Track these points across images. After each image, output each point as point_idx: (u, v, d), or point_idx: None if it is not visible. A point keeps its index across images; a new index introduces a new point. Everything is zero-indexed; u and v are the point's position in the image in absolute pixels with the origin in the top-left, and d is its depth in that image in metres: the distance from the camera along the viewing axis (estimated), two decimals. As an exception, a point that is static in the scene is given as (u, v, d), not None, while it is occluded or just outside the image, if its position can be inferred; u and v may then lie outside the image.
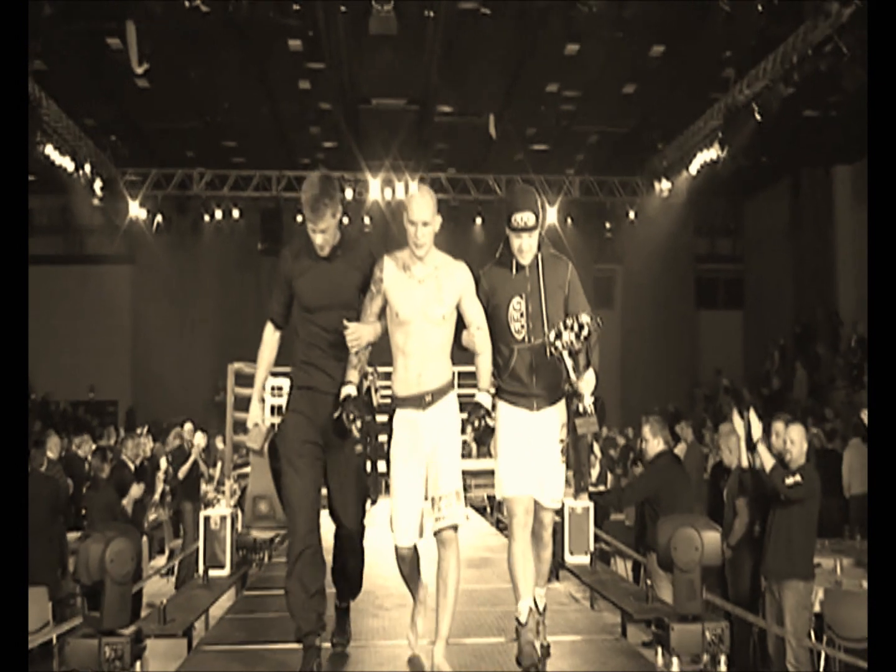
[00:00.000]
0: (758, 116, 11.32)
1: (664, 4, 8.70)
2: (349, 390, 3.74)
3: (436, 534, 3.73)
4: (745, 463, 5.82)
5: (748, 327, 19.65)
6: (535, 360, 3.90)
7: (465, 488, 3.50)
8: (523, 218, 3.87)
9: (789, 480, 5.31)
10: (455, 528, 3.72)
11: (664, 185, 14.86)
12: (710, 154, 13.04)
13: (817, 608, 5.54)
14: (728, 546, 5.77)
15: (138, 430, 12.30)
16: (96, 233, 17.64)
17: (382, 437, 3.98)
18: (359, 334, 3.70)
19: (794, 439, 5.51)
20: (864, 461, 9.47)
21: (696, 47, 10.60)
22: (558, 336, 3.72)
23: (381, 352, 3.89)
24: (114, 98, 12.56)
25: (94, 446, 10.98)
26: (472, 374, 3.88)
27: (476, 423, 3.77)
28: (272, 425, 4.16)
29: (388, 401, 3.90)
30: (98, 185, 13.68)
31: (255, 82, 11.53)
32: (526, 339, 3.90)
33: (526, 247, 3.88)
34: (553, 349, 3.74)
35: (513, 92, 11.80)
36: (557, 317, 3.88)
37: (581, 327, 3.72)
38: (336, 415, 3.72)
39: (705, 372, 18.17)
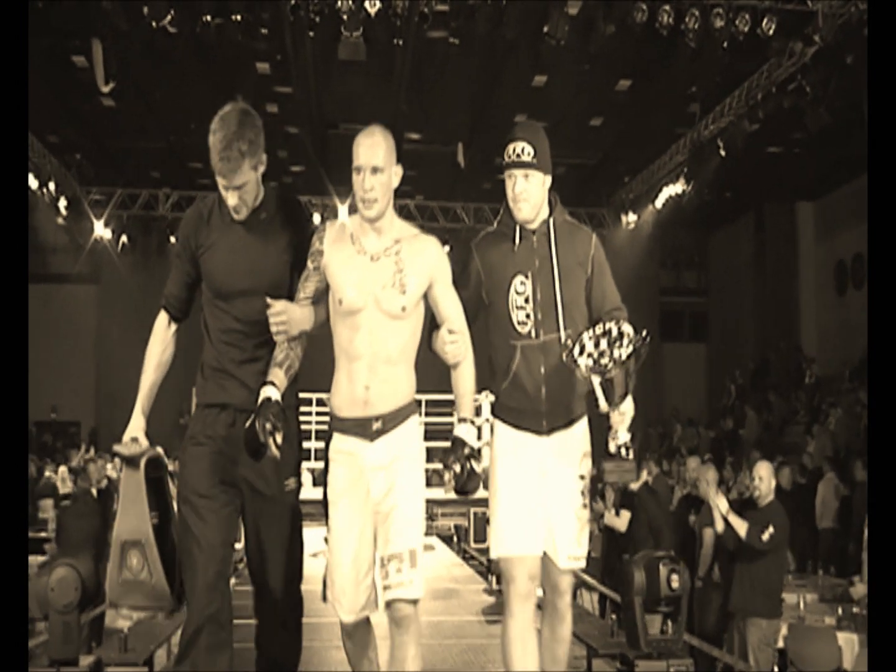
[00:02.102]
0: (722, 152, 11.47)
1: (631, 39, 8.78)
2: (269, 392, 2.77)
3: (387, 606, 2.84)
4: (720, 528, 5.72)
5: (712, 360, 19.78)
6: (545, 363, 2.99)
7: (431, 517, 2.91)
8: (516, 149, 3.01)
9: (765, 536, 5.31)
10: (413, 601, 2.79)
11: (630, 218, 14.99)
12: (676, 188, 13.17)
13: (781, 644, 5.55)
14: (697, 578, 5.77)
15: (92, 454, 12.15)
16: (60, 252, 17.48)
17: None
18: (287, 316, 2.81)
19: (763, 476, 5.54)
20: (837, 495, 9.63)
21: (662, 82, 10.72)
22: (582, 350, 2.84)
23: (321, 373, 3.05)
24: (79, 116, 12.48)
25: (63, 469, 10.91)
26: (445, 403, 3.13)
27: (457, 469, 2.77)
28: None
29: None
30: (62, 203, 13.57)
31: (223, 104, 11.45)
32: (533, 333, 3.00)
33: (520, 190, 2.99)
34: (574, 364, 2.84)
35: (481, 121, 11.85)
36: (576, 305, 3.02)
37: (619, 339, 2.84)
38: (248, 423, 2.70)
39: (668, 404, 18.24)
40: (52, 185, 13.00)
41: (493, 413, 3.11)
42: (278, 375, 2.84)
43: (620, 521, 6.74)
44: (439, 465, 3.11)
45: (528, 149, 3.01)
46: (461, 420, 2.87)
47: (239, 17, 8.52)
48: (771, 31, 8.66)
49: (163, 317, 3.10)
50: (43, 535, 8.42)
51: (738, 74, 10.36)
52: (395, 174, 2.86)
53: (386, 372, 2.84)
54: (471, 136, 12.49)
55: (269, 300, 2.79)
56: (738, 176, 13.05)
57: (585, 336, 2.85)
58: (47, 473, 11.21)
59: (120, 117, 11.97)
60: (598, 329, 2.85)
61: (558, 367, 2.95)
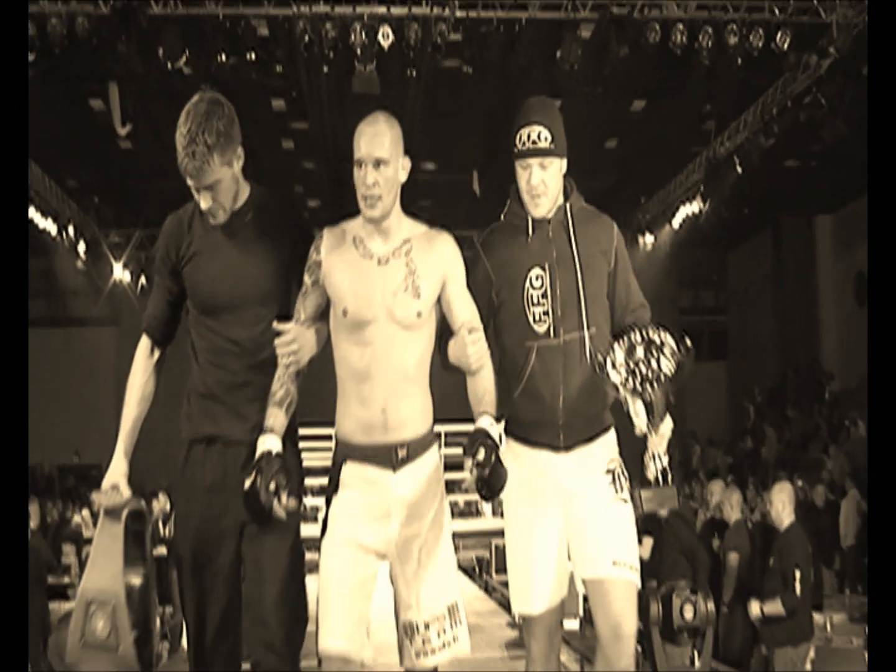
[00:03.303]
0: (739, 168, 11.42)
1: (644, 60, 8.78)
2: (269, 444, 2.42)
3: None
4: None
5: (732, 378, 19.65)
6: (564, 366, 2.63)
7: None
8: (531, 134, 2.64)
9: (798, 589, 5.19)
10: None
11: (647, 239, 14.93)
12: (693, 207, 13.11)
13: (808, 667, 5.44)
14: (723, 603, 5.66)
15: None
16: (80, 295, 17.57)
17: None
18: (298, 344, 2.46)
19: (774, 500, 5.47)
20: (860, 511, 9.47)
21: (676, 102, 10.71)
22: (615, 364, 2.51)
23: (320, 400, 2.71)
24: (97, 160, 12.57)
25: (86, 513, 10.86)
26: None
27: (480, 457, 2.37)
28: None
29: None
30: (81, 247, 13.63)
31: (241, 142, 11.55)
32: (551, 331, 2.64)
33: (537, 181, 2.64)
34: (605, 380, 2.52)
35: (496, 148, 11.85)
36: (599, 301, 2.69)
37: (659, 350, 2.50)
38: (247, 485, 2.35)
39: (689, 425, 18.15)
40: (71, 229, 13.06)
41: (505, 431, 2.73)
42: (278, 418, 2.49)
43: (643, 548, 6.63)
44: (461, 497, 2.86)
45: (546, 133, 2.63)
46: (482, 413, 2.51)
47: (253, 56, 8.55)
48: (785, 45, 8.63)
49: (144, 343, 2.73)
50: (66, 580, 8.38)
51: (753, 90, 10.34)
52: (402, 167, 2.53)
53: (403, 391, 2.51)
54: (486, 164, 12.50)
55: (276, 325, 2.47)
56: (755, 192, 13.00)
57: (617, 347, 2.52)
58: (74, 518, 11.18)
59: (137, 159, 12.05)
60: (634, 337, 2.51)
61: (580, 372, 2.61)
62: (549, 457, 2.65)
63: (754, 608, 5.27)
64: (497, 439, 2.47)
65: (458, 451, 2.47)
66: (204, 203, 2.52)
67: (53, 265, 14.76)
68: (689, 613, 3.68)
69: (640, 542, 7.00)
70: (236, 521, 2.50)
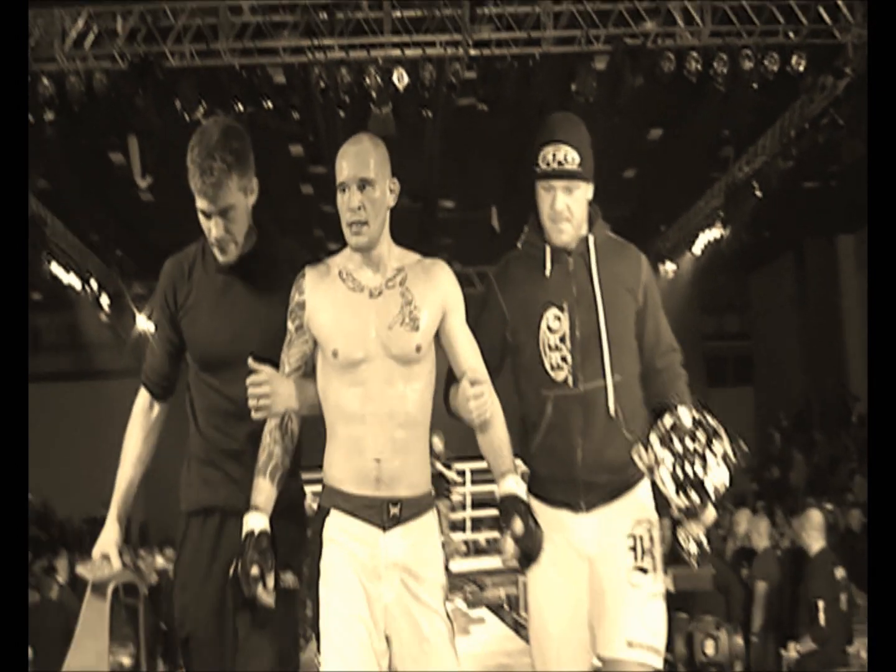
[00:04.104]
0: (758, 193, 11.36)
1: (660, 89, 8.78)
2: (252, 523, 2.20)
3: None
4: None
5: (759, 404, 19.46)
6: (584, 419, 2.39)
7: (480, 586, 2.46)
8: (557, 154, 2.40)
9: (822, 622, 5.10)
10: None
11: (669, 267, 14.88)
12: (713, 233, 13.05)
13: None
14: (752, 633, 5.58)
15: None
16: (104, 348, 17.64)
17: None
18: (270, 387, 2.21)
19: (813, 526, 5.41)
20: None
21: (693, 128, 10.70)
22: (657, 461, 2.22)
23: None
24: (118, 213, 12.67)
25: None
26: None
27: (518, 530, 2.24)
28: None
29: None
30: (105, 300, 13.71)
31: (259, 189, 11.65)
32: (570, 380, 2.39)
33: (562, 206, 2.40)
34: (639, 460, 2.26)
35: (514, 183, 11.87)
36: (625, 344, 2.43)
37: (707, 436, 2.20)
38: (231, 570, 2.17)
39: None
40: (94, 283, 13.14)
41: (528, 489, 2.47)
42: (264, 491, 2.24)
43: (669, 579, 6.50)
44: (490, 534, 2.72)
45: (573, 154, 2.40)
46: (504, 474, 2.32)
47: (270, 104, 8.60)
48: (801, 68, 8.60)
49: (143, 397, 2.54)
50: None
51: (770, 113, 10.31)
52: (389, 189, 2.35)
53: (400, 439, 2.26)
54: (504, 200, 12.51)
55: (251, 362, 2.22)
56: (775, 215, 12.95)
57: (655, 438, 2.22)
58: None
59: (158, 211, 12.12)
60: (668, 420, 2.20)
61: (602, 424, 2.38)
62: (569, 518, 2.42)
63: (791, 650, 5.20)
64: (526, 499, 2.33)
65: (486, 488, 2.36)
66: (216, 230, 2.34)
67: (77, 319, 14.84)
68: (710, 649, 3.59)
69: (666, 572, 6.90)
70: (237, 599, 2.29)
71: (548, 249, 2.48)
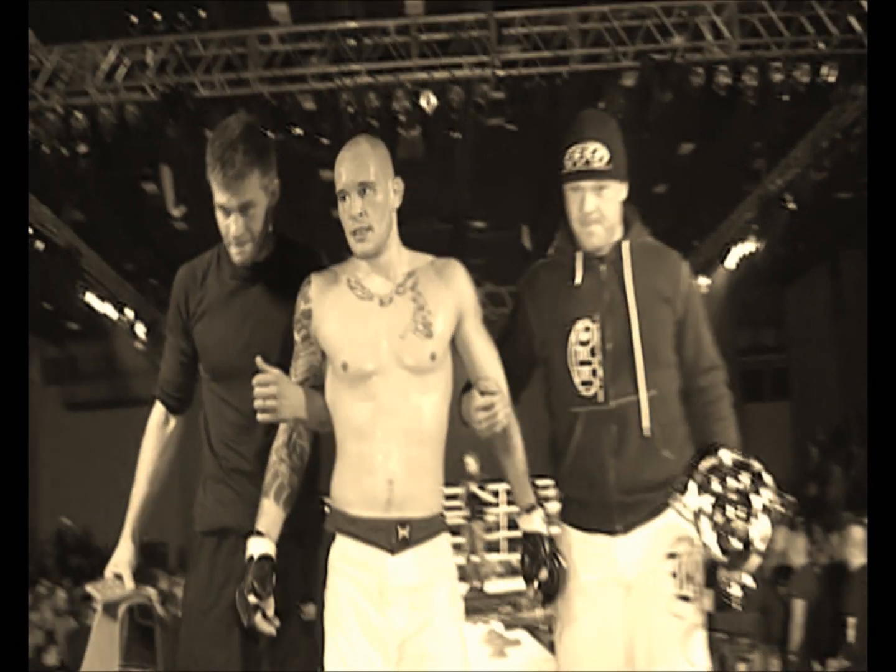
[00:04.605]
0: (791, 205, 11.26)
1: (689, 103, 8.74)
2: (254, 548, 2.09)
3: None
4: None
5: (796, 418, 19.23)
6: (617, 437, 2.25)
7: (516, 607, 2.37)
8: (584, 153, 2.26)
9: (852, 639, 5.01)
10: None
11: (702, 282, 14.76)
12: (747, 246, 12.94)
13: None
14: (791, 652, 5.49)
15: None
16: (140, 376, 17.76)
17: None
18: (278, 388, 2.07)
19: (853, 541, 5.33)
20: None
21: (724, 142, 10.64)
22: (699, 513, 2.07)
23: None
24: (152, 242, 12.79)
25: (153, 592, 10.84)
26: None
27: (543, 577, 2.17)
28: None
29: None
30: (140, 328, 13.83)
31: (290, 216, 11.73)
32: (600, 396, 2.26)
33: (591, 208, 2.25)
34: (680, 509, 2.10)
35: (545, 201, 11.86)
36: (661, 358, 2.28)
37: (751, 480, 2.05)
38: (238, 597, 2.04)
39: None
40: (129, 312, 13.25)
41: (560, 514, 2.37)
42: (268, 513, 2.11)
43: (709, 599, 6.38)
44: (513, 556, 2.54)
45: (602, 152, 2.27)
46: (527, 509, 2.23)
47: (300, 131, 8.65)
48: (832, 78, 8.53)
49: (158, 411, 2.45)
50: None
51: (802, 124, 10.23)
52: (393, 190, 2.21)
53: (414, 457, 2.13)
54: (535, 218, 12.49)
55: (259, 362, 2.07)
56: (809, 226, 12.83)
57: (694, 485, 2.07)
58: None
59: (192, 239, 12.21)
60: (708, 462, 2.05)
61: (635, 443, 2.24)
62: (605, 542, 2.26)
63: (831, 666, 5.13)
64: (546, 532, 2.22)
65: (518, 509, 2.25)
66: (235, 228, 2.25)
67: (113, 348, 14.98)
68: (741, 668, 3.50)
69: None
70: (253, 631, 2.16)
71: (578, 256, 2.33)
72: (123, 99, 8.38)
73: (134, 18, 8.09)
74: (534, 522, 2.24)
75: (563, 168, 2.32)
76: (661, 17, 8.19)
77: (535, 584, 2.20)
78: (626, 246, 2.34)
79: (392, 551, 2.13)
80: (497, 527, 13.15)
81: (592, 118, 2.43)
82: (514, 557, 11.82)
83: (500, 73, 8.45)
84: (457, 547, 10.54)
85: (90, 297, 11.89)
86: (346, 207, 2.18)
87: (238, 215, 2.26)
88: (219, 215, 2.29)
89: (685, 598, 2.27)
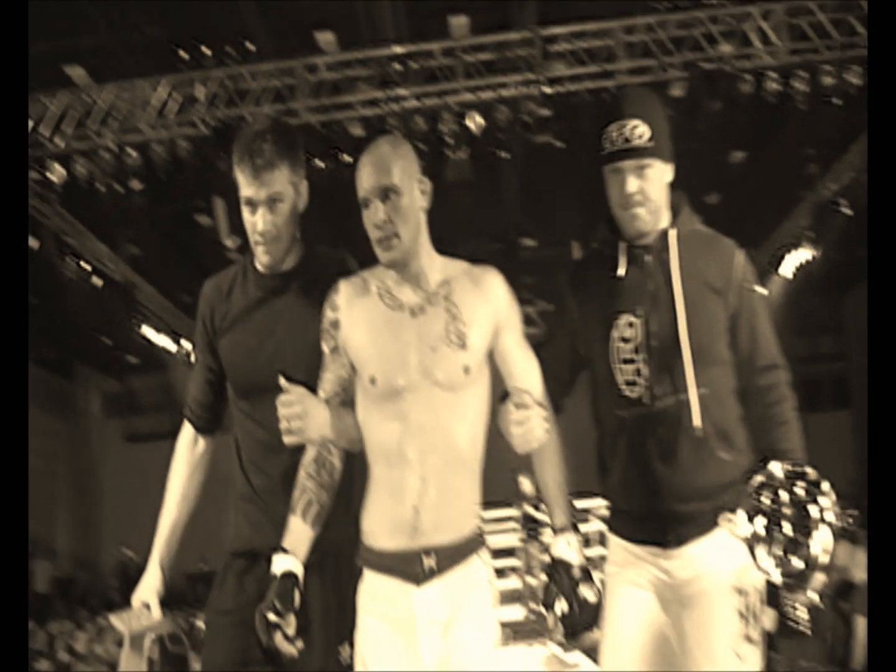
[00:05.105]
0: (847, 210, 11.06)
1: (739, 111, 8.65)
2: (278, 565, 1.95)
3: None
4: None
5: (856, 428, 18.83)
6: (666, 441, 2.10)
7: None
8: (623, 130, 2.12)
9: None
10: None
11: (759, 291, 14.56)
12: (803, 253, 12.74)
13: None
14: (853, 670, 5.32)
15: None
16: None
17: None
18: (302, 408, 1.95)
19: None
20: None
21: (775, 148, 10.51)
22: (733, 511, 1.95)
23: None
24: (207, 273, 12.90)
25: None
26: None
27: (562, 609, 1.98)
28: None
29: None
30: (197, 359, 13.95)
31: (341, 242, 11.82)
32: (646, 397, 2.12)
33: (634, 190, 2.12)
34: (732, 530, 1.96)
35: (594, 216, 11.82)
36: (712, 354, 2.12)
37: (807, 490, 1.87)
38: (258, 615, 1.91)
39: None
40: (186, 344, 13.39)
41: (608, 525, 2.24)
42: (295, 530, 1.99)
43: (766, 617, 6.19)
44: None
45: (642, 129, 2.12)
46: (557, 531, 2.06)
47: (349, 158, 8.70)
48: (885, 79, 8.38)
49: (187, 431, 2.38)
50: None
51: (855, 128, 10.07)
52: (420, 192, 2.09)
53: (445, 481, 1.99)
54: (585, 234, 12.43)
55: (282, 380, 1.96)
56: (866, 232, 12.61)
57: (744, 508, 1.90)
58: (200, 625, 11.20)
59: (245, 269, 12.37)
60: (760, 476, 1.87)
61: (687, 447, 2.08)
62: (655, 556, 2.10)
63: None
64: (577, 561, 2.03)
65: (586, 528, 2.10)
66: (261, 223, 2.17)
67: (172, 380, 15.13)
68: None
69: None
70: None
71: (621, 246, 2.19)
72: (175, 134, 8.49)
73: (183, 54, 8.20)
74: (564, 548, 2.05)
75: (603, 150, 2.17)
76: (708, 25, 8.12)
77: (556, 614, 2.00)
78: (672, 234, 2.19)
79: (418, 583, 2.00)
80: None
81: (632, 94, 2.30)
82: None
83: (547, 90, 8.43)
84: (513, 569, 10.40)
85: (147, 331, 12.04)
86: (369, 215, 2.07)
87: (265, 209, 2.18)
88: (245, 213, 2.22)
89: (749, 640, 2.09)
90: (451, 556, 2.01)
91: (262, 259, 2.24)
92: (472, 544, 2.06)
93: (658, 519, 2.11)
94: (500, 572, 12.22)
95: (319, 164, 8.58)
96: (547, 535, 12.22)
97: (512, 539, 11.11)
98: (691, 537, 2.11)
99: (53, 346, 14.80)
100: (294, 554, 1.98)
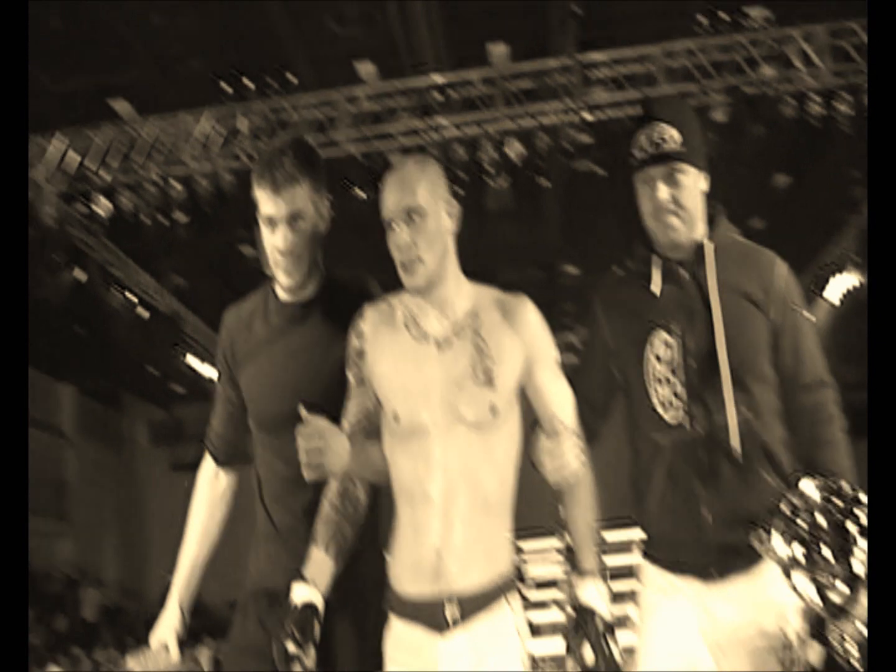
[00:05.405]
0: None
1: (783, 135, 8.57)
2: (297, 595, 1.88)
3: None
4: None
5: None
6: (707, 466, 1.99)
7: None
8: (652, 136, 2.04)
9: None
10: None
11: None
12: (849, 278, 12.54)
13: None
14: None
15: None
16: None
17: None
18: (323, 441, 1.85)
19: None
20: None
21: (820, 171, 10.38)
22: (792, 563, 1.75)
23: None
24: (250, 303, 13.04)
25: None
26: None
27: (587, 658, 1.85)
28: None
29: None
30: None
31: (384, 274, 11.86)
32: (685, 421, 2.02)
33: (665, 198, 2.04)
34: (765, 552, 1.79)
35: (636, 242, 11.76)
36: (754, 372, 2.01)
37: (845, 504, 1.74)
38: (275, 644, 1.85)
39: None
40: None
41: (644, 552, 2.13)
42: (317, 561, 1.91)
43: (812, 651, 5.95)
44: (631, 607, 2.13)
45: (672, 132, 2.03)
46: (584, 573, 1.97)
47: (391, 188, 8.74)
48: (932, 99, 8.25)
49: (208, 464, 2.33)
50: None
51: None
52: (448, 215, 2.00)
53: (470, 523, 1.89)
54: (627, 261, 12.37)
55: (301, 410, 1.87)
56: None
57: (777, 534, 1.76)
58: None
59: (288, 298, 12.44)
60: (809, 499, 1.73)
61: (729, 472, 1.98)
62: (697, 588, 1.98)
63: None
64: (605, 611, 1.91)
65: (624, 560, 2.02)
66: (282, 242, 2.10)
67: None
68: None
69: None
70: None
71: (655, 260, 2.12)
72: (219, 166, 8.59)
73: (226, 86, 8.31)
74: (592, 595, 1.94)
75: (633, 158, 2.11)
76: (749, 48, 8.06)
77: (581, 662, 1.86)
78: (709, 246, 2.11)
79: (441, 632, 1.90)
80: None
81: (663, 100, 2.28)
82: (618, 610, 11.43)
83: (587, 116, 8.41)
84: (556, 602, 10.24)
85: (193, 360, 12.14)
86: (392, 237, 1.99)
87: (286, 227, 2.12)
88: (265, 233, 2.15)
89: None
90: (477, 603, 1.91)
91: (282, 281, 2.16)
92: (501, 589, 1.96)
93: (699, 548, 2.00)
94: (542, 604, 12.08)
95: (360, 194, 8.62)
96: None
97: (554, 570, 10.94)
98: (735, 569, 2.00)
99: (101, 377, 14.97)
100: (315, 585, 1.91)
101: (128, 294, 9.91)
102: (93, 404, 15.88)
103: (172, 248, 9.54)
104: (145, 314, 10.08)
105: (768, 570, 1.97)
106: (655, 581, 2.08)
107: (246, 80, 8.33)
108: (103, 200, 8.64)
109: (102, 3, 7.54)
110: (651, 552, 2.12)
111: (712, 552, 1.99)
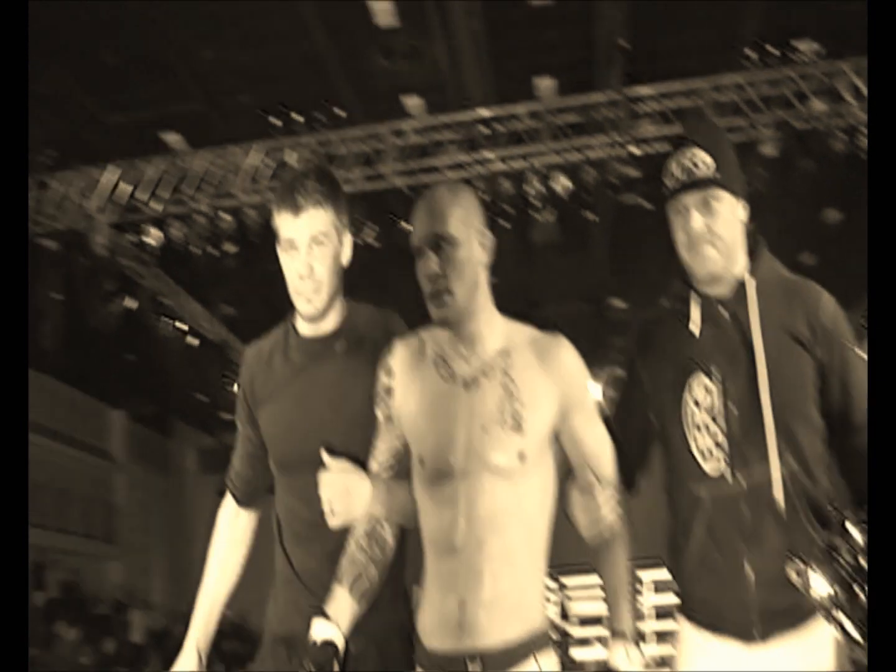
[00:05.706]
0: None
1: (833, 169, 8.45)
2: (318, 632, 1.78)
3: None
4: None
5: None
6: (751, 522, 1.85)
7: None
8: (683, 161, 1.95)
9: None
10: None
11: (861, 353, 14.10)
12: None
13: None
14: None
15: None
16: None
17: None
18: (343, 485, 1.84)
19: None
20: None
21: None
22: (806, 576, 1.67)
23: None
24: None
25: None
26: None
27: None
28: None
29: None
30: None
31: (424, 307, 11.90)
32: (727, 472, 1.88)
33: (699, 227, 1.93)
34: (806, 592, 1.66)
35: (674, 278, 11.67)
36: (798, 417, 1.87)
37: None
38: None
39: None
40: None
41: (680, 609, 2.00)
42: (339, 600, 1.81)
43: None
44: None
45: (704, 157, 1.94)
46: (616, 635, 1.83)
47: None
48: None
49: (228, 504, 2.28)
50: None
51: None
52: (481, 245, 1.88)
53: (497, 576, 1.77)
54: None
55: (324, 454, 1.85)
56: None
57: (818, 575, 1.65)
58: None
59: (334, 330, 12.52)
60: (851, 540, 1.62)
61: (776, 527, 1.84)
62: (737, 651, 1.84)
63: None
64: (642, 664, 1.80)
65: (666, 599, 1.86)
66: (302, 266, 2.03)
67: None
68: None
69: None
70: None
71: (694, 298, 1.98)
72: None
73: (275, 120, 8.42)
74: (623, 661, 1.80)
75: (665, 188, 1.99)
76: (799, 82, 7.98)
77: None
78: (751, 283, 1.97)
79: None
80: (643, 616, 12.57)
81: (696, 124, 2.15)
82: (664, 651, 11.27)
83: (634, 150, 8.37)
84: (599, 639, 10.02)
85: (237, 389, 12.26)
86: (421, 266, 1.87)
87: (307, 252, 2.05)
88: (285, 259, 2.09)
89: None
90: (502, 660, 1.78)
91: (302, 309, 2.08)
92: (530, 647, 1.82)
93: (742, 608, 1.86)
94: (586, 641, 11.90)
95: (407, 227, 8.64)
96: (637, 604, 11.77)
97: (599, 607, 10.81)
98: (779, 631, 1.86)
99: (151, 403, 15.15)
100: (335, 622, 1.81)
101: (178, 323, 10.04)
102: (143, 430, 16.07)
103: (221, 277, 9.65)
104: (195, 342, 10.21)
105: (813, 634, 1.86)
106: (694, 643, 1.96)
107: (294, 114, 8.43)
108: (154, 231, 8.79)
109: (155, 39, 7.72)
110: (688, 611, 2.00)
111: (755, 613, 1.86)
